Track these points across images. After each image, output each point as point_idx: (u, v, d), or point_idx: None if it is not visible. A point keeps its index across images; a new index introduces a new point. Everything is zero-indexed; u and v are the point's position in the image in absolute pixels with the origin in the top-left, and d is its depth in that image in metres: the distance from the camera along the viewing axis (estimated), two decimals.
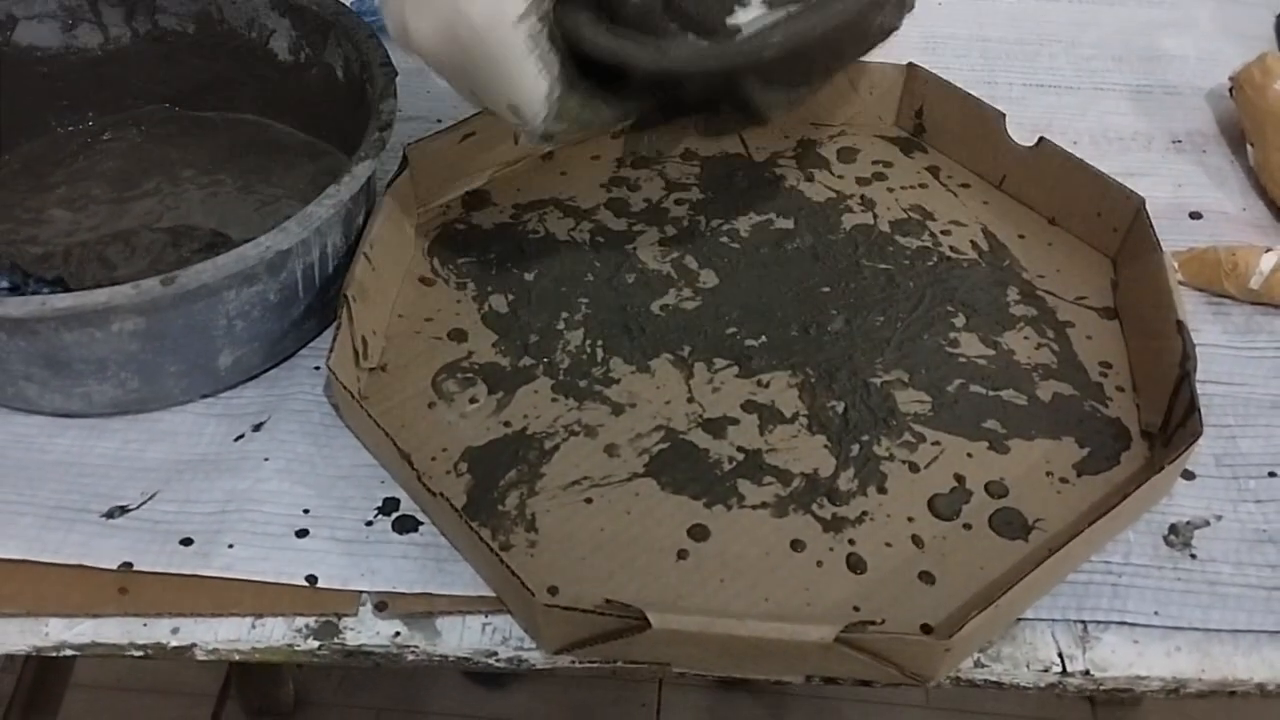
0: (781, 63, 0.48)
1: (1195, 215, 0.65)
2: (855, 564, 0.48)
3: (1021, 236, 0.62)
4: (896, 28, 0.51)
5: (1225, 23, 0.81)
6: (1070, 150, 0.62)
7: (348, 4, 0.63)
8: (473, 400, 0.54)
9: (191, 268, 0.48)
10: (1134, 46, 0.79)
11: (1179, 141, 0.71)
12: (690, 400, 0.54)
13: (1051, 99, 0.74)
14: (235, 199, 0.63)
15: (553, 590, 0.47)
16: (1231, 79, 0.69)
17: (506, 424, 0.53)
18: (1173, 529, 0.50)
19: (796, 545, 0.49)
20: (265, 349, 0.54)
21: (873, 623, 0.44)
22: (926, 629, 0.46)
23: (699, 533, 0.49)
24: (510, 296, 0.59)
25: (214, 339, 0.52)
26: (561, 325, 0.57)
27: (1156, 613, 0.47)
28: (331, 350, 0.51)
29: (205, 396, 0.54)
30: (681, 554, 0.49)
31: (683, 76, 0.48)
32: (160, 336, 0.50)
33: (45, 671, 0.90)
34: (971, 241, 0.62)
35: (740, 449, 0.52)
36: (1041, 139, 0.62)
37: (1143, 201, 0.58)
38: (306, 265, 0.53)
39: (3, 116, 0.64)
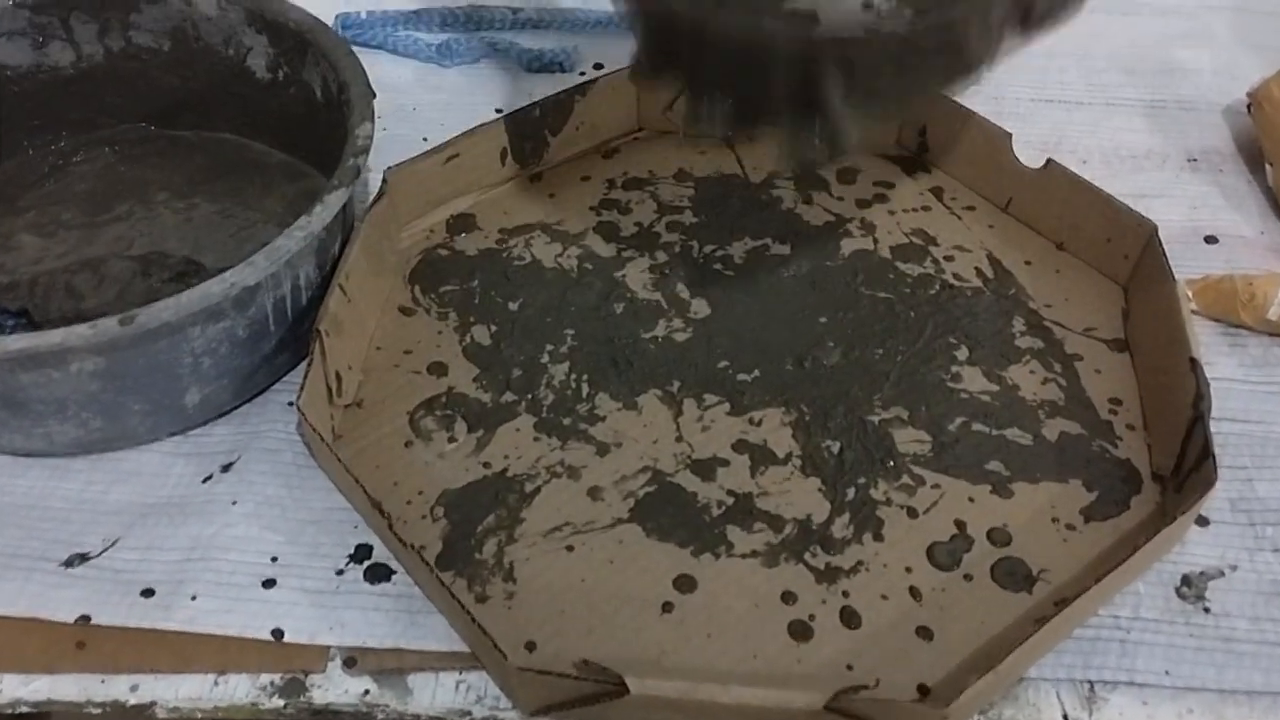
0: (871, 65, 0.44)
1: (1211, 239, 0.63)
2: (849, 618, 0.46)
3: (1028, 263, 0.60)
4: (985, 62, 0.48)
5: (1243, 34, 0.78)
6: (1080, 169, 0.59)
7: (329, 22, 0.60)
8: (451, 439, 0.52)
9: (152, 306, 0.46)
10: (1147, 59, 0.76)
11: (1194, 160, 0.68)
12: (679, 439, 0.52)
13: (1061, 114, 0.71)
14: (210, 223, 0.60)
15: (530, 646, 0.45)
16: (1250, 95, 0.66)
17: (486, 464, 0.51)
18: (1185, 580, 0.48)
19: (788, 597, 0.47)
20: (235, 385, 0.52)
21: (865, 686, 0.41)
22: (924, 690, 0.44)
23: (685, 584, 0.47)
24: (493, 327, 0.57)
25: (179, 377, 0.50)
26: (546, 358, 0.55)
27: (1168, 672, 0.45)
28: (302, 388, 0.48)
29: (173, 434, 0.52)
30: (666, 606, 0.46)
31: (766, 61, 0.44)
32: (121, 376, 0.48)
33: None
34: (976, 268, 0.59)
35: (730, 492, 0.50)
36: (1049, 160, 0.60)
37: (1155, 228, 0.56)
38: (277, 299, 0.51)
39: None
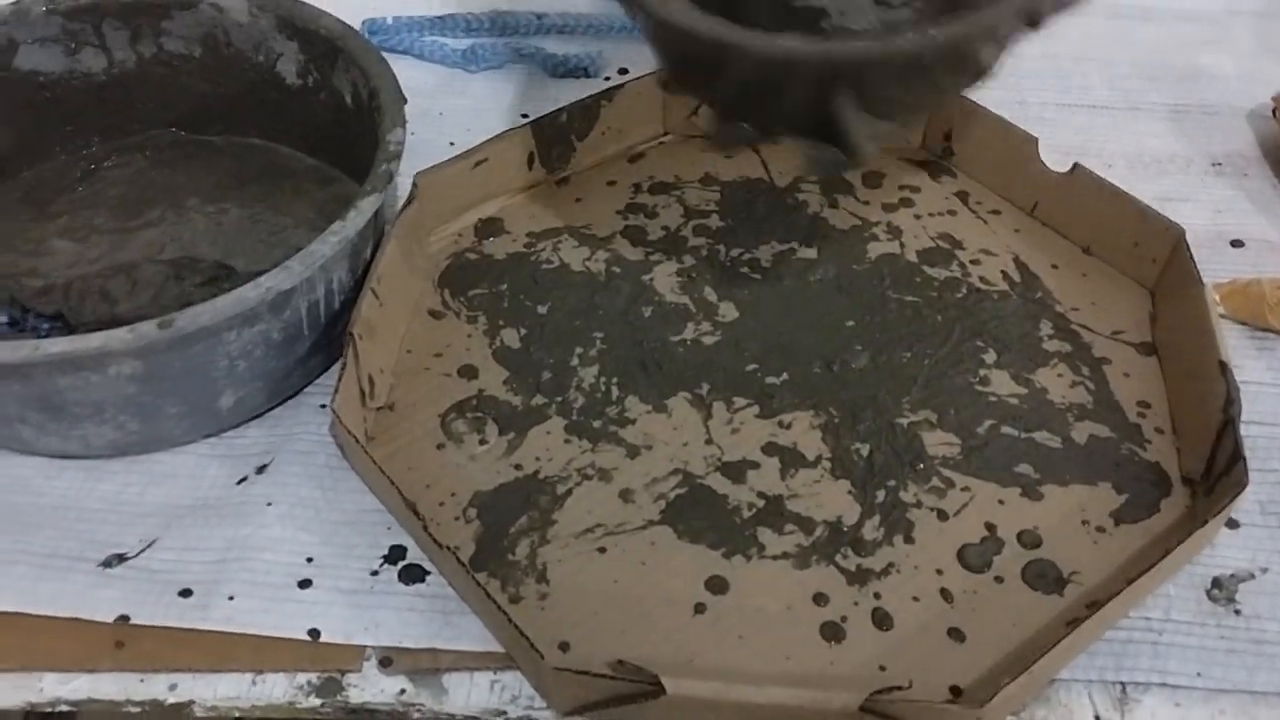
0: (882, 80, 0.45)
1: (1237, 243, 0.63)
2: (881, 620, 0.46)
3: (1055, 267, 0.60)
4: (991, 68, 0.48)
5: (1266, 39, 0.78)
6: (1105, 174, 0.59)
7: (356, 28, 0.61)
8: (482, 441, 0.52)
9: (189, 310, 0.46)
10: (1171, 65, 0.76)
11: (1219, 165, 0.68)
12: (709, 442, 0.52)
13: (1085, 119, 0.71)
14: (241, 228, 0.61)
15: (564, 646, 0.45)
16: (1274, 100, 0.67)
17: (518, 466, 0.51)
18: (1216, 583, 0.48)
19: (819, 599, 0.47)
20: (269, 388, 0.53)
21: (899, 687, 0.41)
22: (956, 691, 0.44)
23: (717, 585, 0.47)
24: (523, 330, 0.57)
25: (215, 380, 0.50)
26: (575, 361, 0.55)
27: (1199, 674, 0.45)
28: (336, 391, 0.49)
29: (208, 437, 0.53)
30: (699, 608, 0.46)
31: (782, 78, 0.44)
32: (159, 379, 0.48)
33: None
34: (1002, 272, 0.60)
35: (761, 495, 0.50)
36: (1076, 165, 0.60)
37: (1183, 233, 0.56)
38: (311, 303, 0.51)
39: (4, 143, 0.62)
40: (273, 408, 0.54)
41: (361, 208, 0.51)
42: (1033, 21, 0.46)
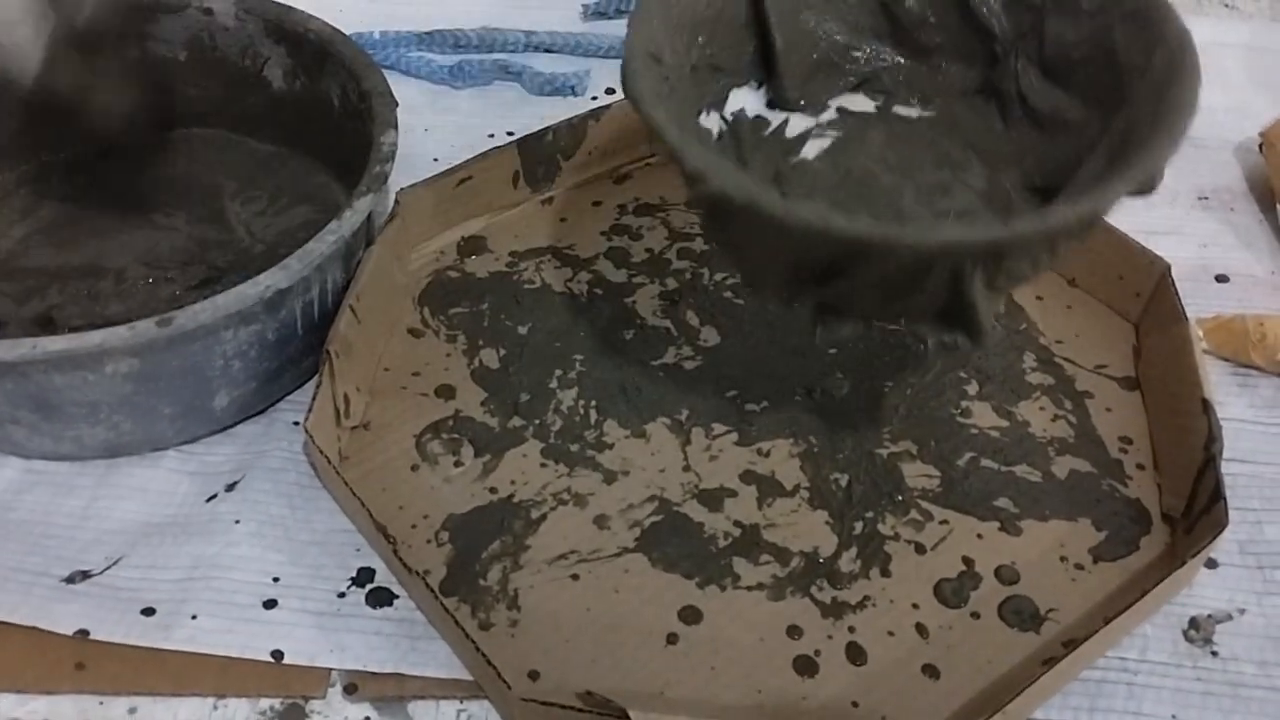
0: (1020, 258, 0.41)
1: (1221, 278, 0.63)
2: (855, 654, 0.46)
3: (1039, 298, 0.60)
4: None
5: (1255, 73, 0.78)
6: None
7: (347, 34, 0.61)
8: (458, 463, 0.52)
9: (189, 308, 0.46)
10: None
11: (1205, 198, 0.68)
12: (686, 468, 0.52)
13: None
14: (230, 230, 0.60)
15: (534, 675, 0.45)
16: (1261, 134, 0.66)
17: (492, 490, 0.51)
18: (1193, 623, 0.47)
19: (793, 631, 0.46)
20: (262, 389, 0.52)
21: None
22: None
23: (690, 615, 0.47)
24: (502, 351, 0.56)
25: (210, 380, 0.50)
26: (554, 383, 0.55)
27: (1174, 716, 0.44)
28: (310, 410, 0.48)
29: (199, 438, 0.52)
30: (671, 638, 0.46)
31: (929, 268, 0.40)
32: (155, 378, 0.48)
33: None
34: None
35: (737, 523, 0.50)
36: None
37: (1168, 267, 0.56)
38: (306, 303, 0.51)
39: None
40: (264, 410, 0.54)
41: (357, 207, 0.51)
42: (1144, 190, 0.43)
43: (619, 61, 0.45)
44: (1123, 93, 0.47)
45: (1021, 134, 0.52)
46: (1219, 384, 0.55)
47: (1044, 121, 0.51)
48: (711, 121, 0.51)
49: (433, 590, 0.44)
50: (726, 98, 0.53)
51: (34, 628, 0.45)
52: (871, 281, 0.41)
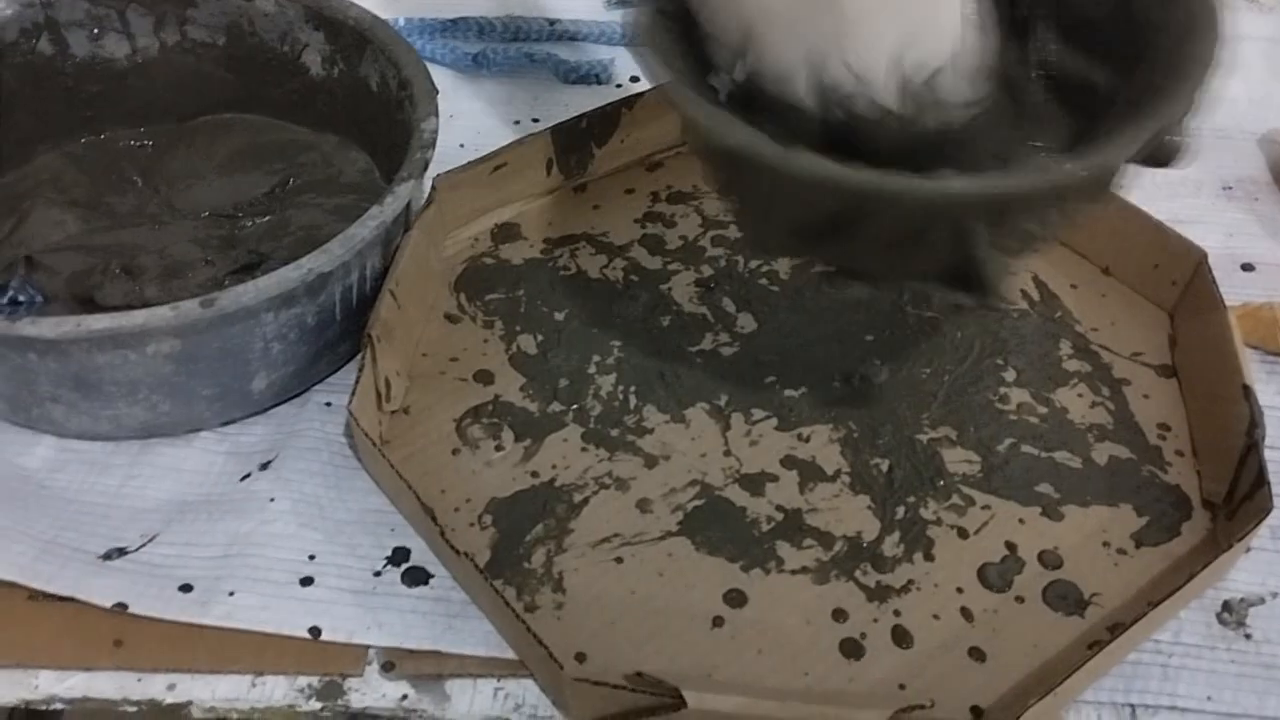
0: (1026, 215, 0.41)
1: (1247, 267, 0.63)
2: (901, 637, 0.46)
3: (1074, 286, 0.60)
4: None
5: (1277, 64, 0.78)
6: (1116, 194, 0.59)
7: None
8: (499, 448, 0.52)
9: (231, 289, 0.46)
10: None
11: (1230, 188, 0.68)
12: (727, 453, 0.52)
13: None
14: (269, 214, 0.60)
15: (580, 657, 0.45)
16: None
17: (534, 474, 0.51)
18: (1226, 606, 0.47)
19: (839, 615, 0.46)
20: (299, 372, 0.52)
21: (922, 706, 0.41)
22: (977, 711, 0.43)
23: (735, 598, 0.47)
24: (539, 337, 0.56)
25: (249, 362, 0.50)
26: (593, 369, 0.55)
27: (1209, 697, 0.44)
28: (353, 393, 0.48)
29: (236, 420, 0.52)
30: (717, 621, 0.46)
31: (933, 223, 0.40)
32: (195, 359, 0.48)
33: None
34: (1022, 290, 0.59)
35: (779, 508, 0.50)
36: None
37: (1204, 255, 0.56)
38: (345, 288, 0.51)
39: (27, 126, 0.61)
40: (300, 393, 0.53)
41: (398, 193, 0.51)
42: (1159, 158, 0.42)
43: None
44: (1142, 52, 0.45)
45: (1044, 108, 0.49)
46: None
47: (1067, 91, 0.49)
48: (721, 82, 0.48)
49: (482, 572, 0.44)
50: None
51: (72, 602, 0.45)
52: (875, 237, 0.40)
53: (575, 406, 0.53)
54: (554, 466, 0.51)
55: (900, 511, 0.50)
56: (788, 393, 0.54)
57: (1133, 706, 0.44)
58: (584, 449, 0.52)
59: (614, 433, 0.52)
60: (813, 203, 0.40)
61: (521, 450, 0.51)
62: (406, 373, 0.54)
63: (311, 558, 0.47)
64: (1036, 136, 0.47)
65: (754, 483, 0.51)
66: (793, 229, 0.43)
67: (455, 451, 0.51)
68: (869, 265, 0.44)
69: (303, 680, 0.44)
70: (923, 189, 0.38)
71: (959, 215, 0.39)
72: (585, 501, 0.50)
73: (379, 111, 0.60)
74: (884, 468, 0.51)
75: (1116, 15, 0.47)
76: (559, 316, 0.57)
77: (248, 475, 0.51)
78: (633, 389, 0.54)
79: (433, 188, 0.57)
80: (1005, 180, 0.40)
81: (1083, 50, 0.49)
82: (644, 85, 0.66)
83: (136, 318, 0.45)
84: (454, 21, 0.77)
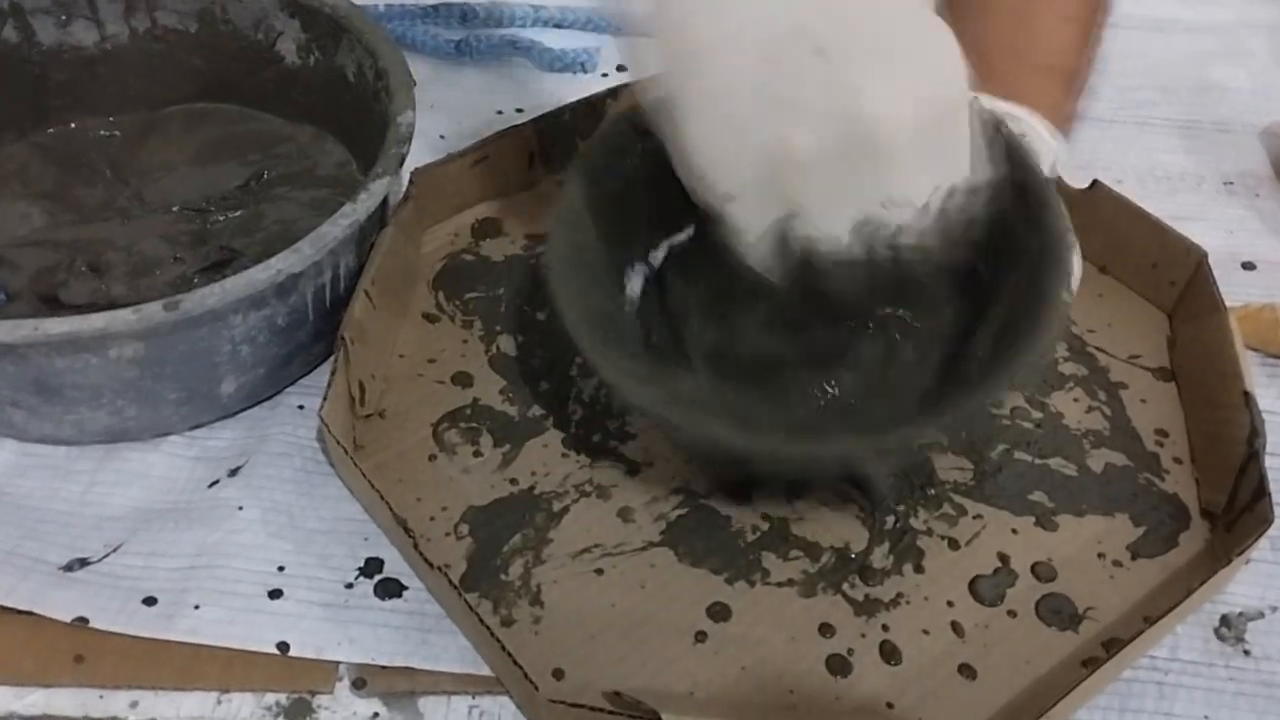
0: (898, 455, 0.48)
1: (1248, 266, 0.61)
2: (889, 653, 0.44)
3: None
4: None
5: None
6: (1116, 190, 0.58)
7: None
8: (477, 453, 0.50)
9: (196, 292, 0.45)
10: (1182, 78, 0.75)
11: (1231, 184, 0.67)
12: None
13: (1095, 133, 0.70)
14: (242, 209, 0.59)
15: (558, 674, 0.43)
16: None
17: (513, 481, 0.49)
18: (1224, 621, 0.46)
19: (825, 630, 0.45)
20: (270, 375, 0.51)
21: None
22: None
23: (719, 612, 0.45)
24: (520, 337, 0.55)
25: (217, 365, 0.48)
26: (574, 372, 0.53)
27: (1206, 716, 0.43)
28: (325, 398, 0.47)
29: (203, 425, 0.51)
30: (700, 636, 0.45)
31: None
32: (160, 363, 0.47)
33: None
34: None
35: (765, 517, 0.48)
36: (1095, 182, 0.58)
37: (1204, 255, 0.54)
38: (318, 288, 0.50)
39: None
40: (270, 397, 0.52)
41: (373, 190, 0.49)
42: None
43: (630, 38, 0.44)
44: (1016, 260, 0.47)
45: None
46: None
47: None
48: (636, 276, 0.52)
49: (455, 587, 0.42)
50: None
51: (31, 615, 0.44)
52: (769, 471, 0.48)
53: (556, 411, 0.52)
54: (533, 474, 0.49)
55: (889, 521, 0.48)
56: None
57: None
58: (564, 455, 0.50)
59: (596, 438, 0.51)
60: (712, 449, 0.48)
61: (500, 456, 0.50)
62: (382, 375, 0.52)
63: (281, 569, 0.46)
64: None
65: (739, 491, 0.49)
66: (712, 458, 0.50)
67: (432, 458, 0.50)
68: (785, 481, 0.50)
69: (270, 698, 0.43)
70: (793, 453, 0.45)
71: (835, 465, 0.47)
72: (565, 510, 0.48)
73: (356, 102, 0.58)
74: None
75: (993, 224, 0.47)
76: (540, 316, 0.56)
77: (216, 482, 0.49)
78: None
79: (410, 181, 0.56)
80: (866, 441, 0.45)
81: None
82: (629, 75, 0.64)
83: (96, 321, 0.44)
84: (435, 7, 0.76)
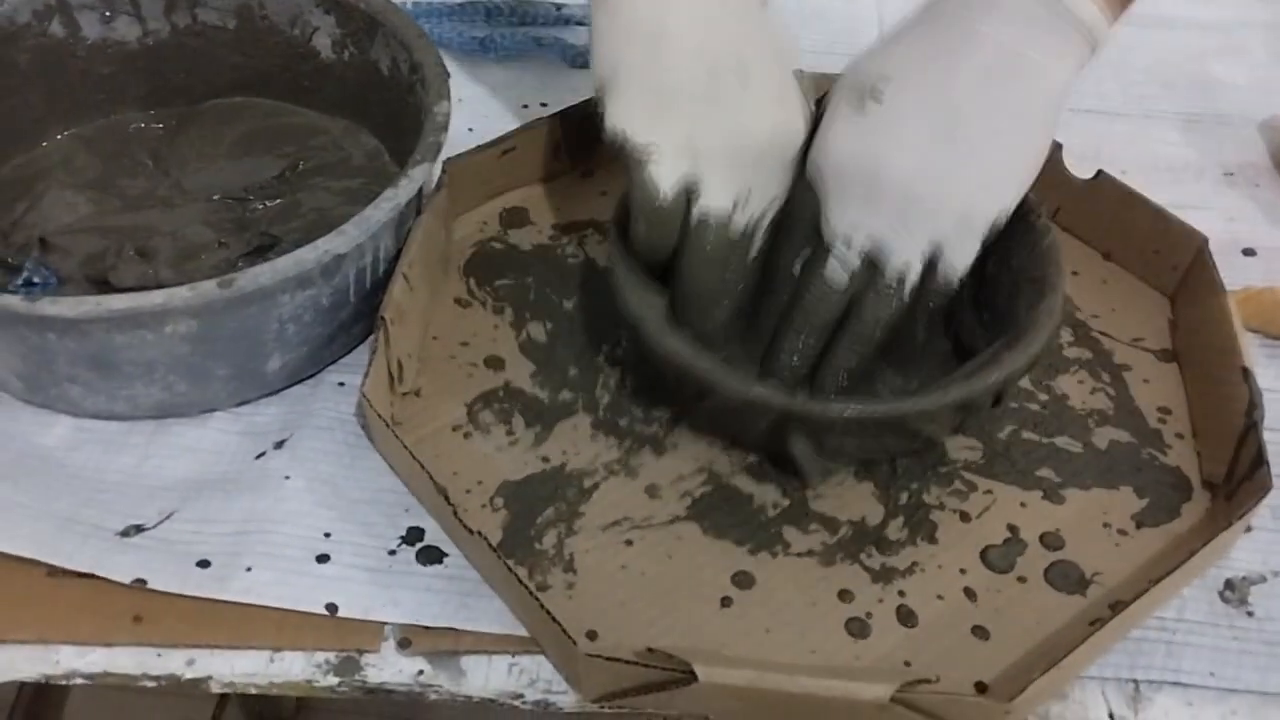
0: (833, 435, 0.48)
1: (1249, 252, 0.63)
2: (905, 616, 0.47)
3: (1075, 273, 0.60)
4: (942, 441, 0.52)
5: (1278, 50, 0.79)
6: (1120, 180, 0.60)
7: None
8: (510, 433, 0.52)
9: (249, 270, 0.47)
10: (1184, 72, 0.77)
11: (1231, 174, 0.69)
12: (734, 443, 0.52)
13: (1100, 126, 0.72)
14: (281, 197, 0.61)
15: (591, 635, 0.45)
16: None
17: (545, 459, 0.51)
18: (1228, 584, 0.48)
19: (844, 595, 0.47)
20: (313, 353, 0.53)
21: (928, 680, 0.42)
22: (981, 686, 0.44)
23: (743, 580, 0.48)
24: (549, 325, 0.57)
25: (264, 343, 0.50)
26: (601, 359, 0.55)
27: (1212, 673, 0.45)
28: (366, 374, 0.49)
29: (249, 401, 0.53)
30: (725, 601, 0.47)
31: (750, 415, 0.49)
32: (211, 340, 0.49)
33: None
34: None
35: (785, 494, 0.51)
36: (1100, 172, 0.60)
37: (1205, 240, 0.57)
38: (359, 269, 0.52)
39: (39, 109, 0.62)
40: (314, 374, 0.54)
41: (413, 176, 0.51)
42: (968, 410, 0.49)
43: None
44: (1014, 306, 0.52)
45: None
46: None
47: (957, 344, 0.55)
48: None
49: (495, 550, 0.44)
50: None
51: (92, 579, 0.46)
52: (719, 408, 0.49)
53: (585, 395, 0.54)
54: (564, 452, 0.52)
55: (904, 497, 0.50)
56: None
57: (1136, 682, 0.45)
58: (594, 436, 0.52)
59: (623, 422, 0.53)
60: (677, 377, 0.50)
61: (533, 436, 0.52)
62: (417, 355, 0.55)
63: (327, 535, 0.48)
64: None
65: (760, 470, 0.51)
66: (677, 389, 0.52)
67: (467, 435, 0.52)
68: (724, 429, 0.52)
69: (320, 656, 0.45)
70: (731, 386, 0.48)
71: (775, 418, 0.48)
72: (595, 486, 0.50)
73: (389, 95, 0.60)
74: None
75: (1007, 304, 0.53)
76: (568, 305, 0.58)
77: (263, 454, 0.51)
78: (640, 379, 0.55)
79: (443, 171, 0.58)
80: (795, 401, 0.48)
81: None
82: None
83: (156, 298, 0.46)
84: (461, 5, 0.77)
